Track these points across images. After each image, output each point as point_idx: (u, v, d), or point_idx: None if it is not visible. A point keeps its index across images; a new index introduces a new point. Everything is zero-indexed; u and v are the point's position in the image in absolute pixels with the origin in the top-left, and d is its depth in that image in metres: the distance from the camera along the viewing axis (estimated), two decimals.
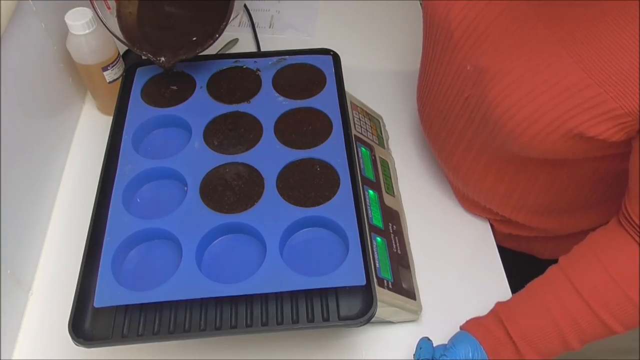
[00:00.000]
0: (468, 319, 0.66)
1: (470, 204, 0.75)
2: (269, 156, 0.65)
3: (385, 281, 0.59)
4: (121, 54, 0.85)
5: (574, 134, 0.51)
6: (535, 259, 0.79)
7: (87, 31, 0.74)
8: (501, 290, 0.69)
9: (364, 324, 0.53)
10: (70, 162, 0.82)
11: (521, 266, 0.80)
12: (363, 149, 0.71)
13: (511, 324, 0.57)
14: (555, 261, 0.78)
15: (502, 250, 0.74)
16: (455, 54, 0.61)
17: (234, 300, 0.55)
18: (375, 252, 0.60)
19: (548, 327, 0.55)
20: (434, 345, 0.59)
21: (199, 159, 0.65)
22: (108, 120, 0.71)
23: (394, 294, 0.60)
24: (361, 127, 0.74)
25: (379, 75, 0.92)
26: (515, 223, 0.72)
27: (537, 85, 0.52)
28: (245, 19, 1.02)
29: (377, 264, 0.59)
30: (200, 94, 0.72)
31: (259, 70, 0.74)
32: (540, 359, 0.56)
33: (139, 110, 0.70)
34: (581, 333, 0.54)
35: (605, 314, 0.53)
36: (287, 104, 0.70)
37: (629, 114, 0.48)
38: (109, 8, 0.71)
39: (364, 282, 0.55)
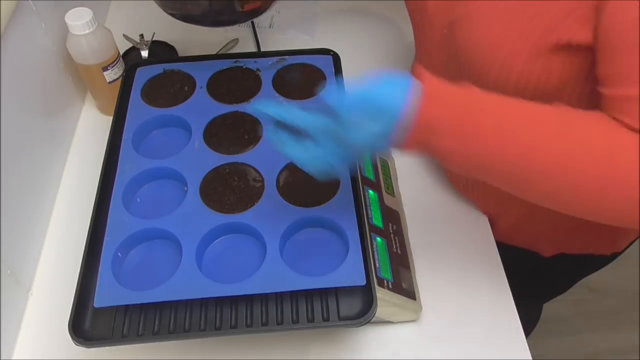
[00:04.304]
0: (468, 319, 0.66)
1: (465, 187, 0.75)
2: (269, 156, 0.65)
3: (385, 281, 0.59)
4: (121, 54, 0.85)
5: (540, 47, 0.50)
6: (540, 258, 0.79)
7: (87, 31, 0.74)
8: (501, 289, 0.69)
9: (364, 324, 0.53)
10: (70, 162, 0.82)
11: (525, 265, 0.79)
12: None
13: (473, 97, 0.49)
14: (559, 258, 0.77)
15: (507, 249, 0.74)
16: (432, 25, 0.62)
17: (234, 300, 0.55)
18: (375, 252, 0.60)
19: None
20: None
21: (199, 159, 0.65)
22: (108, 120, 0.71)
23: (394, 294, 0.60)
24: None
25: None
26: (512, 203, 0.71)
27: (497, 10, 0.52)
28: None
29: (377, 264, 0.59)
30: (200, 94, 0.72)
31: (259, 70, 0.74)
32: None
33: (139, 110, 0.70)
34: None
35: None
36: (287, 104, 0.70)
37: None
38: None
39: (364, 282, 0.55)
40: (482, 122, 0.47)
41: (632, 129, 0.46)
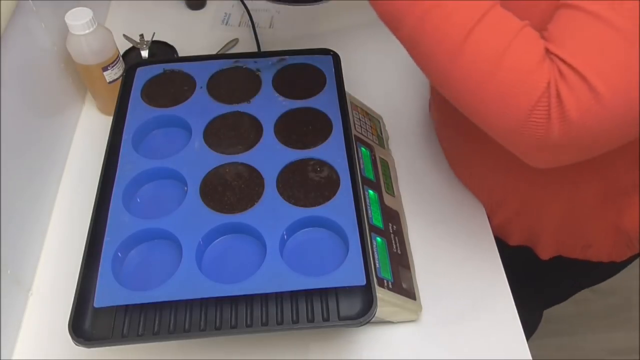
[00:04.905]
0: (468, 319, 0.66)
1: (468, 177, 0.74)
2: (269, 156, 0.65)
3: (385, 281, 0.59)
4: (121, 54, 0.85)
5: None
6: (538, 262, 0.78)
7: (87, 31, 0.74)
8: (501, 289, 0.69)
9: (364, 324, 0.53)
10: (70, 162, 0.82)
11: (524, 268, 0.79)
12: (363, 149, 0.71)
13: None
14: (556, 260, 0.77)
15: (506, 250, 0.74)
16: None
17: (234, 300, 0.55)
18: (375, 252, 0.60)
19: None
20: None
21: (199, 159, 0.65)
22: (108, 120, 0.71)
23: (394, 294, 0.60)
24: (361, 127, 0.74)
25: (379, 75, 0.92)
26: (513, 191, 0.71)
27: None
28: (245, 19, 1.02)
29: (377, 264, 0.59)
30: (200, 94, 0.72)
31: (259, 70, 0.74)
32: None
33: (139, 110, 0.70)
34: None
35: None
36: (287, 104, 0.70)
37: None
38: None
39: (364, 282, 0.55)
40: None
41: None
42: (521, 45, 0.45)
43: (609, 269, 0.79)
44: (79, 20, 0.73)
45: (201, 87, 0.72)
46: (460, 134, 0.72)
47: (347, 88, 0.73)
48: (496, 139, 0.49)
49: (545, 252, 0.77)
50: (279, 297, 0.56)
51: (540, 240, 0.76)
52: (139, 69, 0.75)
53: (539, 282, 0.89)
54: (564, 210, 0.70)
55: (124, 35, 0.92)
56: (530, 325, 1.17)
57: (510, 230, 0.77)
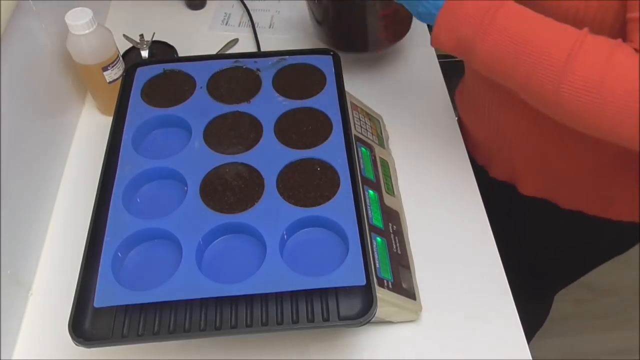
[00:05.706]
0: (468, 318, 0.66)
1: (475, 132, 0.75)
2: (269, 156, 0.65)
3: (385, 281, 0.59)
4: (121, 54, 0.85)
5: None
6: (557, 209, 0.78)
7: (87, 31, 0.74)
8: (501, 289, 0.69)
9: (364, 324, 0.53)
10: (70, 162, 0.82)
11: (541, 216, 0.79)
12: (363, 149, 0.71)
13: None
14: (576, 213, 0.76)
15: (525, 201, 0.75)
16: None
17: (234, 300, 0.56)
18: (375, 252, 0.60)
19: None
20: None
21: (199, 159, 0.65)
22: (108, 120, 0.71)
23: (394, 294, 0.60)
24: (361, 127, 0.74)
25: (379, 75, 0.92)
26: (538, 144, 0.71)
27: None
28: (245, 19, 1.02)
29: (377, 264, 0.59)
30: (200, 94, 0.72)
31: (259, 70, 0.74)
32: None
33: (139, 110, 0.70)
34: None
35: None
36: (287, 104, 0.70)
37: None
38: None
39: (364, 282, 0.55)
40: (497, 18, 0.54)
41: (636, 50, 0.49)
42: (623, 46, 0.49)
43: (630, 235, 0.78)
44: (79, 20, 0.73)
45: (201, 87, 0.72)
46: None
47: (347, 88, 0.73)
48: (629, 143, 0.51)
49: (565, 203, 0.77)
50: (279, 297, 0.56)
51: (559, 192, 0.76)
52: (139, 69, 0.75)
53: (559, 243, 0.87)
54: (584, 166, 0.70)
55: (124, 35, 0.92)
56: (539, 315, 1.14)
57: (532, 182, 0.77)
